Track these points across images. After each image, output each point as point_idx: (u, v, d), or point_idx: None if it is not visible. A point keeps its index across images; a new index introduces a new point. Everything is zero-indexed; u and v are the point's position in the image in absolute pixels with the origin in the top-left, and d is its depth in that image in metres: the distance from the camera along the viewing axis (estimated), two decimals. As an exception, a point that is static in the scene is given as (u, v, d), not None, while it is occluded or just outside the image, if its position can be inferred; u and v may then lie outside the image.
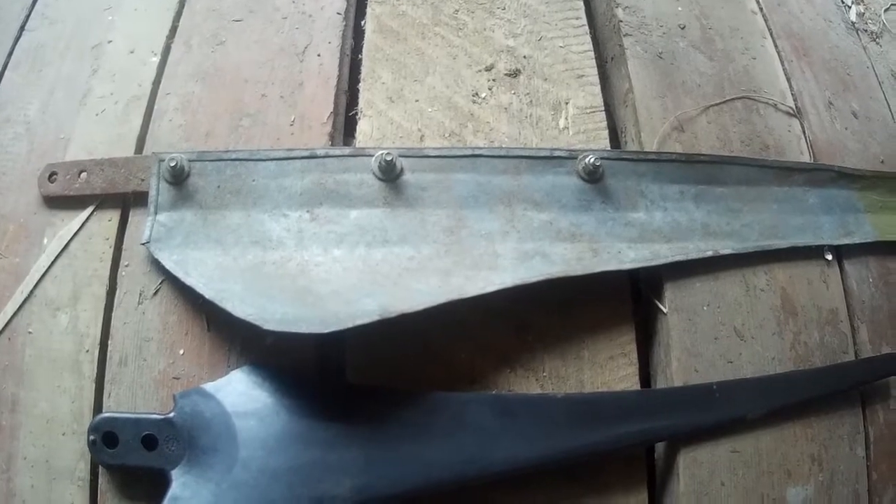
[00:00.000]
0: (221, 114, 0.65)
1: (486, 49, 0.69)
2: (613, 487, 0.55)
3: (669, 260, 0.60)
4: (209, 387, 0.53)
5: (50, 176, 0.62)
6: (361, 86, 0.67)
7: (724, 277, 0.62)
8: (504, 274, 0.57)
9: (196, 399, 0.53)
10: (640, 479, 0.56)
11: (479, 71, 0.68)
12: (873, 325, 0.65)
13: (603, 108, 0.67)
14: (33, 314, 0.58)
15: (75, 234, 0.60)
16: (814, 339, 0.62)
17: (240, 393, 0.53)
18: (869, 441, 0.61)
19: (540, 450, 0.54)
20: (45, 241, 0.60)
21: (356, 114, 0.65)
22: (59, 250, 0.60)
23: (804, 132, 0.71)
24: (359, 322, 0.50)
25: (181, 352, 0.56)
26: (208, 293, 0.54)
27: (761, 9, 0.80)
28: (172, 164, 0.58)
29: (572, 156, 0.62)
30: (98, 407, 0.55)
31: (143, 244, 0.58)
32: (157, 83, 0.67)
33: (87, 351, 0.56)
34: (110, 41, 0.70)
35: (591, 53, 0.70)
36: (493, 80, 0.67)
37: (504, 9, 0.72)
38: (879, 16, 0.86)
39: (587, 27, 0.72)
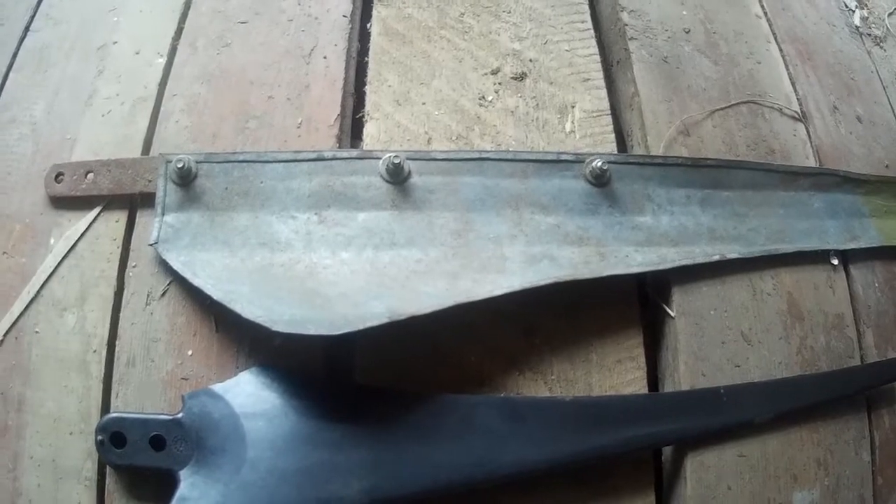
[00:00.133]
0: (228, 115, 0.65)
1: (491, 52, 0.69)
2: (621, 491, 0.55)
3: (676, 264, 0.60)
4: (218, 387, 0.53)
5: (56, 176, 0.61)
6: (368, 88, 0.67)
7: (731, 282, 0.62)
8: (512, 277, 0.57)
9: (204, 400, 0.52)
10: (647, 483, 0.56)
11: (486, 74, 0.68)
12: (879, 329, 0.65)
13: (609, 112, 0.67)
14: (40, 314, 0.58)
15: (82, 234, 0.60)
16: (820, 344, 0.62)
17: (248, 394, 0.53)
18: (874, 446, 0.61)
19: (548, 453, 0.54)
20: (52, 241, 0.60)
21: (363, 116, 0.65)
22: (66, 251, 0.59)
23: (809, 136, 0.71)
24: (368, 324, 0.50)
25: (189, 352, 0.56)
26: (216, 294, 0.54)
27: (765, 13, 0.80)
28: (180, 165, 0.58)
29: (579, 159, 0.62)
30: (106, 407, 0.55)
31: (150, 245, 0.57)
32: (163, 84, 0.67)
33: (95, 351, 0.56)
34: (116, 42, 0.70)
35: (597, 57, 0.70)
36: (500, 83, 0.68)
37: (510, 12, 0.72)
38: (883, 20, 0.87)
39: (593, 31, 0.72)
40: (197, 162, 0.59)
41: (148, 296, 0.58)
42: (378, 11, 0.72)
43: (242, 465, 0.51)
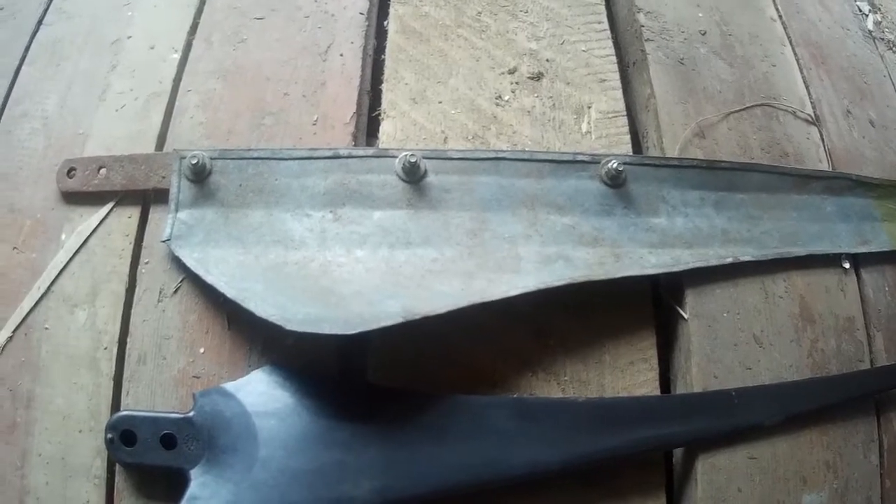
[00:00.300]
0: (243, 112, 0.64)
1: (508, 52, 0.69)
2: (631, 492, 0.55)
3: (690, 266, 0.60)
4: (230, 386, 0.53)
5: (69, 171, 0.61)
6: (384, 86, 0.66)
7: (744, 284, 0.62)
8: (527, 277, 0.57)
9: (216, 398, 0.52)
10: (658, 484, 0.56)
11: (502, 73, 0.68)
12: (889, 333, 0.65)
13: (625, 113, 0.67)
14: (50, 310, 0.57)
15: (94, 230, 0.60)
16: (831, 347, 0.62)
17: (260, 393, 0.53)
18: (883, 449, 0.61)
19: (560, 454, 0.54)
20: (63, 236, 0.60)
21: (379, 114, 0.65)
22: (78, 246, 0.59)
23: (823, 140, 0.71)
24: (383, 324, 0.50)
25: (201, 350, 0.56)
26: (230, 292, 0.54)
27: (780, 16, 0.80)
28: (194, 161, 0.58)
29: (595, 160, 0.62)
30: (116, 405, 0.54)
31: (163, 241, 0.57)
32: (177, 80, 0.66)
33: (106, 348, 0.56)
34: (130, 37, 0.70)
35: (614, 58, 0.70)
36: (516, 82, 0.67)
37: (527, 12, 0.72)
38: (896, 25, 0.87)
39: (609, 32, 0.72)
40: (211, 158, 0.59)
41: (160, 293, 0.57)
42: (395, 9, 0.71)
43: (254, 465, 0.50)
